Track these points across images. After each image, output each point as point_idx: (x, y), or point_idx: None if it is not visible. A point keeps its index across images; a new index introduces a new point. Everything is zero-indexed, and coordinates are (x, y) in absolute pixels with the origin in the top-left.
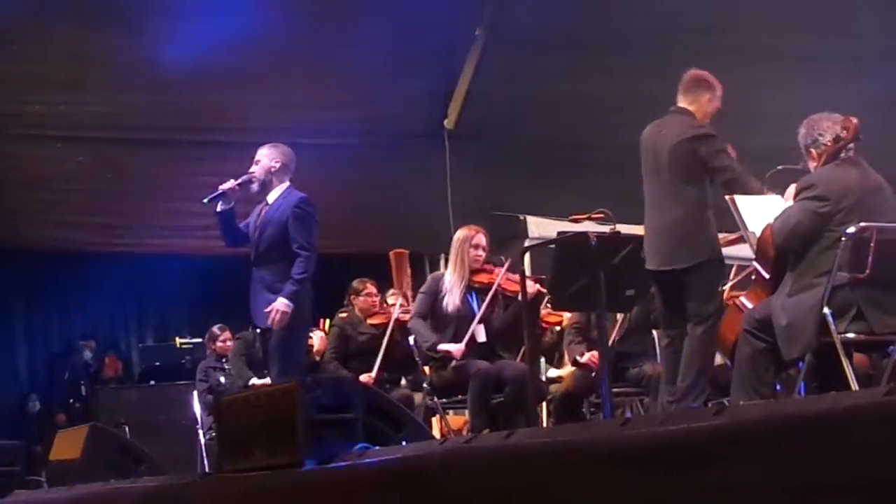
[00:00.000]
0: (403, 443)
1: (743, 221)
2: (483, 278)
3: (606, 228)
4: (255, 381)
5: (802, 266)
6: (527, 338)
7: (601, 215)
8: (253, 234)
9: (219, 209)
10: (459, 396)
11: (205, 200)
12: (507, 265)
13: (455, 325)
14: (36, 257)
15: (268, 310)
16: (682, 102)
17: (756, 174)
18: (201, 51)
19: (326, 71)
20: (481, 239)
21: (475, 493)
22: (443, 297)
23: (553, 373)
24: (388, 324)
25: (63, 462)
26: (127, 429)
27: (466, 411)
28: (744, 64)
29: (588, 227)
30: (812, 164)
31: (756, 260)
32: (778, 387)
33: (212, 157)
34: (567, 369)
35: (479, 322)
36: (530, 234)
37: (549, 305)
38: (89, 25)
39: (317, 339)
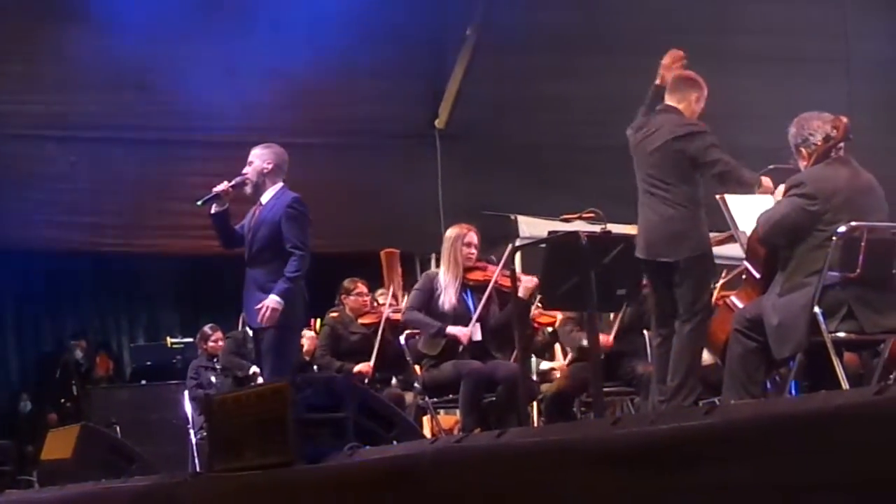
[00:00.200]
0: (394, 442)
1: (733, 221)
2: (478, 276)
3: (597, 228)
4: (255, 368)
5: (793, 265)
6: (518, 337)
7: (592, 215)
8: (246, 234)
9: (213, 211)
10: (450, 396)
11: (198, 203)
12: (503, 261)
13: (451, 324)
14: (27, 257)
15: (258, 307)
16: (669, 101)
17: None
18: (192, 50)
19: (318, 71)
20: (473, 237)
21: (466, 493)
22: (438, 295)
23: (546, 365)
24: (378, 323)
25: (54, 462)
26: (118, 428)
27: (457, 411)
28: (733, 64)
29: (579, 226)
30: (802, 164)
31: (747, 259)
32: (769, 385)
33: (203, 156)
34: (559, 363)
35: (478, 320)
36: (521, 234)
37: (539, 305)
38: (80, 25)
39: (306, 339)
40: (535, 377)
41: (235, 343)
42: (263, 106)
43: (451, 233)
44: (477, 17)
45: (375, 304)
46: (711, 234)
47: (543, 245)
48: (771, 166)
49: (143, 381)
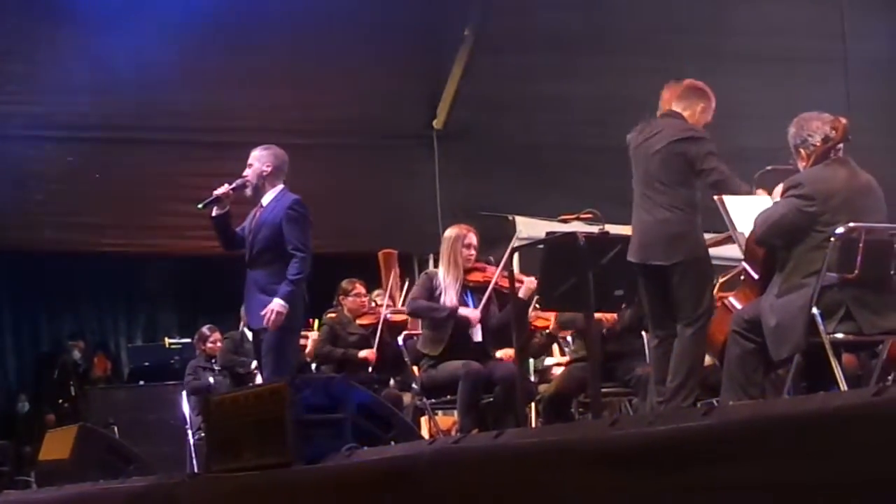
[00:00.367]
0: (392, 443)
1: (731, 222)
2: (477, 277)
3: (595, 228)
4: (256, 363)
5: (791, 266)
6: (515, 337)
7: (590, 215)
8: (247, 236)
9: (214, 214)
10: (448, 397)
11: (199, 206)
12: (503, 262)
13: (453, 325)
14: (25, 257)
15: (263, 312)
16: (675, 107)
17: (745, 175)
18: (189, 51)
19: (315, 71)
20: (473, 238)
21: (464, 494)
22: (438, 295)
23: (550, 360)
24: (376, 324)
25: (52, 462)
26: (116, 429)
27: (455, 411)
28: (731, 65)
29: (577, 227)
30: (801, 164)
31: (745, 260)
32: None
33: (201, 157)
34: (566, 357)
35: (479, 321)
36: (519, 235)
37: (537, 306)
38: (79, 26)
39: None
40: (533, 376)
41: (233, 343)
42: (262, 107)
43: (450, 233)
44: (475, 18)
45: (373, 304)
46: (709, 236)
47: (541, 246)
48: (769, 167)
49: (141, 382)
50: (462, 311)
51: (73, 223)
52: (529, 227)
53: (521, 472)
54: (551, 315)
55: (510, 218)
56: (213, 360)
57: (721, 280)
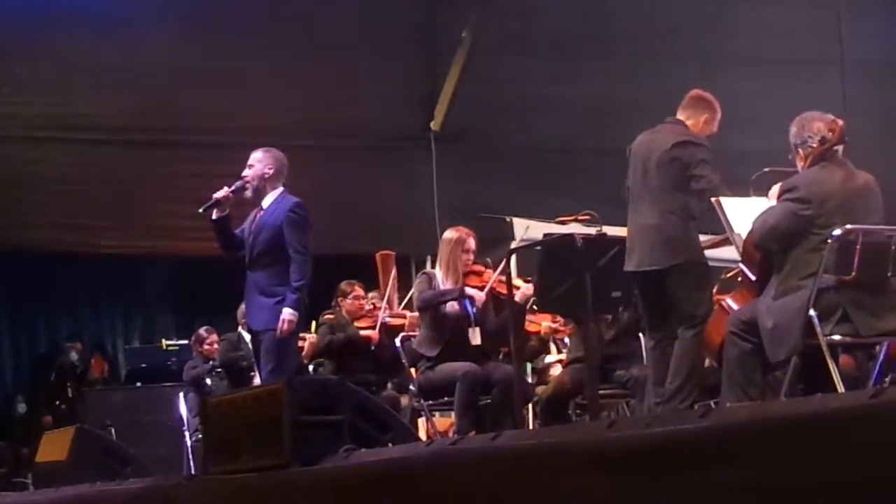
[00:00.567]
0: (390, 444)
1: (729, 223)
2: (475, 281)
3: (593, 230)
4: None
5: (787, 268)
6: (512, 339)
7: (587, 217)
8: (248, 238)
9: (214, 217)
10: (446, 398)
11: (200, 210)
12: (501, 267)
13: (452, 328)
14: (22, 258)
15: (279, 327)
16: (680, 115)
17: (743, 176)
18: (188, 52)
19: (313, 73)
20: (471, 243)
21: (461, 495)
22: None
23: (551, 358)
24: (374, 327)
25: (49, 464)
26: (113, 430)
27: (452, 413)
28: (729, 67)
29: (574, 228)
30: (800, 164)
31: (742, 262)
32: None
33: (199, 158)
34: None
35: (476, 325)
36: (516, 236)
37: (535, 308)
38: (77, 28)
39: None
40: (530, 377)
41: (230, 345)
42: (259, 108)
43: (449, 236)
44: (473, 19)
45: (371, 306)
46: (707, 237)
47: (539, 248)
48: (766, 169)
49: (139, 384)
50: (468, 290)
51: (70, 224)
52: (527, 229)
53: (518, 473)
54: (542, 320)
55: (507, 220)
56: (211, 362)
57: (727, 276)
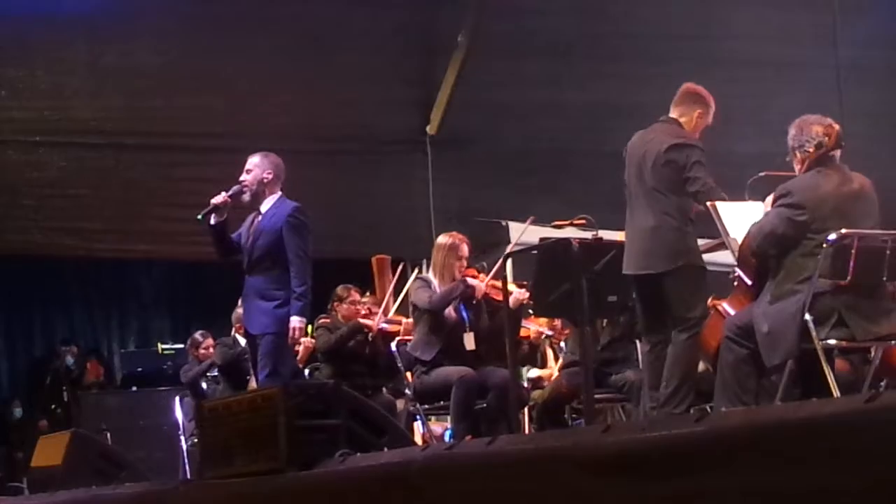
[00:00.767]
0: (385, 449)
1: (724, 228)
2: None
3: (589, 234)
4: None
5: (783, 273)
6: (508, 344)
7: (583, 221)
8: (245, 242)
9: (212, 222)
10: (442, 403)
11: (198, 217)
12: (493, 271)
13: (448, 333)
14: (18, 262)
15: (290, 335)
16: (673, 113)
17: (739, 180)
18: (183, 56)
19: (309, 77)
20: (465, 249)
21: (457, 500)
22: None
23: (534, 373)
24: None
25: (45, 468)
26: (108, 434)
27: (448, 418)
28: (725, 71)
29: (570, 233)
30: (797, 167)
31: (738, 266)
32: None
33: (195, 163)
34: (547, 370)
35: (471, 330)
36: (512, 240)
37: (530, 312)
38: (73, 31)
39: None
40: (525, 383)
41: (227, 348)
42: (255, 112)
43: (443, 241)
44: (469, 23)
45: (367, 311)
46: (703, 242)
47: (535, 252)
48: (762, 173)
49: (134, 388)
50: (470, 281)
51: (66, 228)
52: (523, 233)
53: (513, 478)
54: (531, 325)
55: (503, 224)
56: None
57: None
